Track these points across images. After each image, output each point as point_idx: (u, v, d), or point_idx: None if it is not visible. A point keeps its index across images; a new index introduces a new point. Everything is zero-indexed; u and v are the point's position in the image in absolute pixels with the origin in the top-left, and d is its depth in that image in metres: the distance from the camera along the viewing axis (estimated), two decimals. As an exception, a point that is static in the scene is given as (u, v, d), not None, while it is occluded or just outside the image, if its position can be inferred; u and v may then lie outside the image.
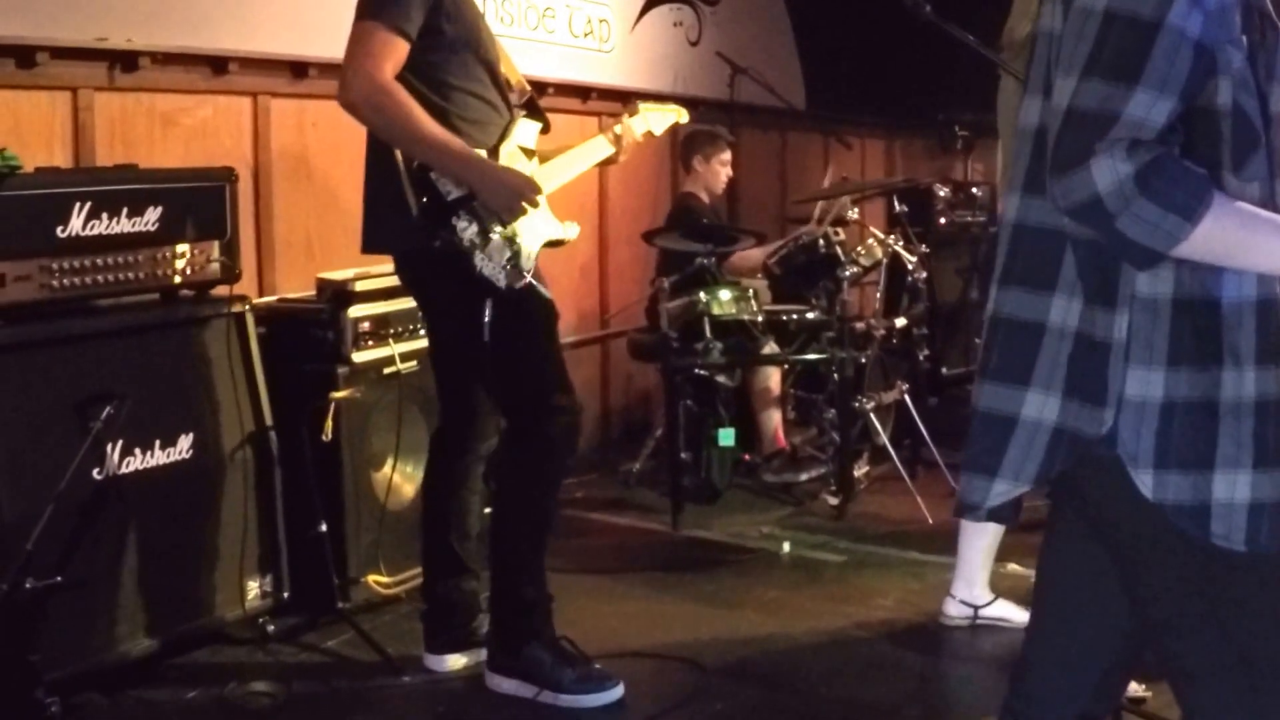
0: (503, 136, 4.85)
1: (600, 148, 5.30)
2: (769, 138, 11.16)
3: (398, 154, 4.61)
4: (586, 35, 8.62)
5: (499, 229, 4.66)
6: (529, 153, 4.95)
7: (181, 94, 5.88)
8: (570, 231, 5.05)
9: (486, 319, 4.67)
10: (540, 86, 6.36)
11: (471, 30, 4.81)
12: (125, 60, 5.59)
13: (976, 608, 5.48)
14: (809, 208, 8.72)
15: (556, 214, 4.97)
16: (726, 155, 8.58)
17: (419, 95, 4.59)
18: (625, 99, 8.35)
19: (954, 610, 5.49)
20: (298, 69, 6.42)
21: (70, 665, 4.54)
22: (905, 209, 8.92)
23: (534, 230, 4.83)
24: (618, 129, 5.33)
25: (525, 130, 4.96)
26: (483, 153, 4.74)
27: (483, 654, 5.02)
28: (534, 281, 4.79)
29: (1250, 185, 2.38)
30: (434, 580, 5.11)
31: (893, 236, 8.25)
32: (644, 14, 9.31)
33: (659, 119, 5.49)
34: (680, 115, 5.63)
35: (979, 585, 5.49)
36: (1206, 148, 2.37)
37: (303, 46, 6.42)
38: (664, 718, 4.76)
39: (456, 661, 5.07)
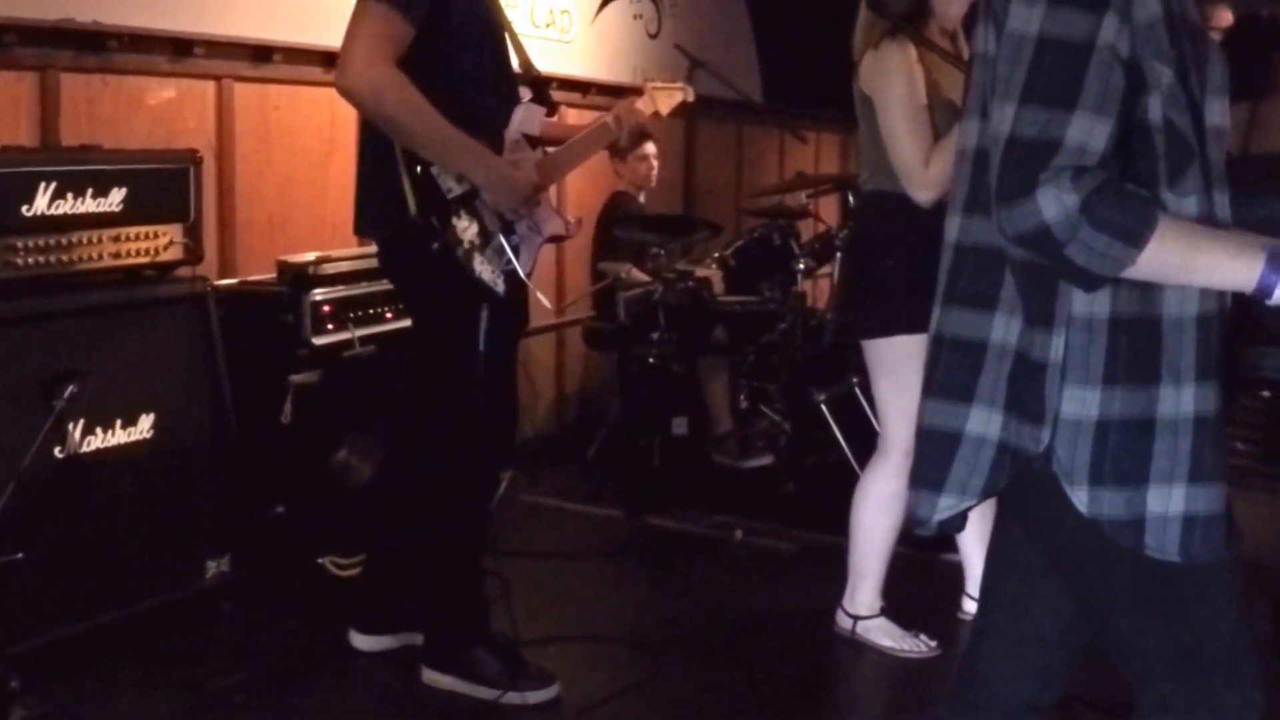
0: (505, 124, 4.62)
1: (604, 133, 5.08)
2: (725, 131, 11.19)
3: (395, 143, 4.39)
4: (548, 26, 8.65)
5: (499, 229, 4.50)
6: (533, 140, 4.72)
7: (146, 76, 5.89)
8: (573, 227, 4.90)
9: (484, 326, 4.50)
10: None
11: (481, 13, 4.60)
12: (92, 41, 5.60)
13: None
14: (764, 200, 8.80)
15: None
16: (648, 147, 8.56)
17: (420, 79, 4.28)
18: (585, 90, 8.41)
19: (969, 606, 5.47)
20: (261, 53, 6.43)
21: (30, 641, 4.57)
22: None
23: (536, 228, 4.70)
24: (621, 111, 5.09)
25: (529, 116, 4.70)
26: (483, 144, 4.51)
27: (404, 638, 5.07)
28: (530, 285, 4.66)
29: (1187, 200, 2.41)
30: (379, 560, 5.14)
31: (846, 230, 8.31)
32: (604, 6, 9.34)
33: (666, 98, 5.27)
34: (687, 94, 5.40)
35: None
36: (1142, 164, 2.40)
37: (267, 31, 6.44)
38: (616, 701, 4.82)
39: (382, 643, 5.09)
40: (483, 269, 4.46)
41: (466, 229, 4.42)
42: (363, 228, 4.78)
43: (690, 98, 5.44)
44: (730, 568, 6.32)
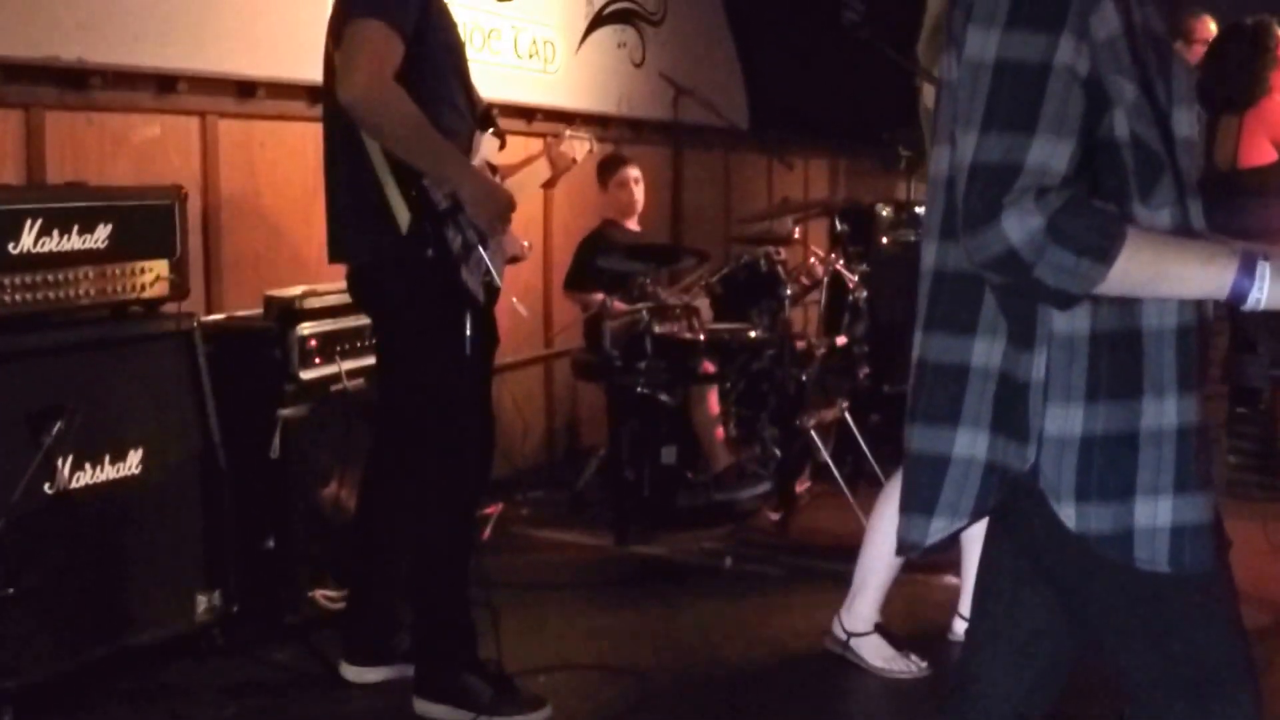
0: (471, 150, 4.77)
1: (541, 170, 5.32)
2: (712, 158, 11.22)
3: (376, 161, 4.54)
4: (531, 56, 8.67)
5: (479, 243, 4.63)
6: (493, 168, 4.90)
7: (130, 113, 5.91)
8: (527, 249, 5.09)
9: (469, 333, 4.61)
10: (485, 108, 6.40)
11: (453, 39, 4.76)
12: (75, 79, 5.62)
13: None
14: (751, 227, 8.82)
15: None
16: (626, 173, 8.51)
17: None
18: (569, 120, 8.41)
19: (959, 628, 5.46)
20: (245, 89, 6.45)
21: (21, 677, 4.57)
22: (846, 228, 8.98)
23: (502, 246, 4.84)
24: (554, 153, 5.32)
25: (489, 145, 4.87)
26: None
27: (397, 669, 5.07)
28: (507, 297, 4.85)
29: (1160, 212, 2.43)
30: (363, 592, 5.15)
31: (833, 255, 8.33)
32: (588, 35, 9.36)
33: (579, 146, 5.46)
34: (593, 144, 5.59)
35: None
36: (1112, 180, 2.41)
37: (250, 66, 6.45)
38: (607, 728, 4.83)
39: (374, 674, 5.11)
40: (468, 278, 4.60)
41: (454, 240, 4.55)
42: (341, 254, 4.84)
43: (595, 149, 5.67)
44: (720, 595, 6.31)
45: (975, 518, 2.57)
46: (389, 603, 5.11)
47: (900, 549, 2.70)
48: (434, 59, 4.61)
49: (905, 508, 2.67)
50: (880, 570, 5.29)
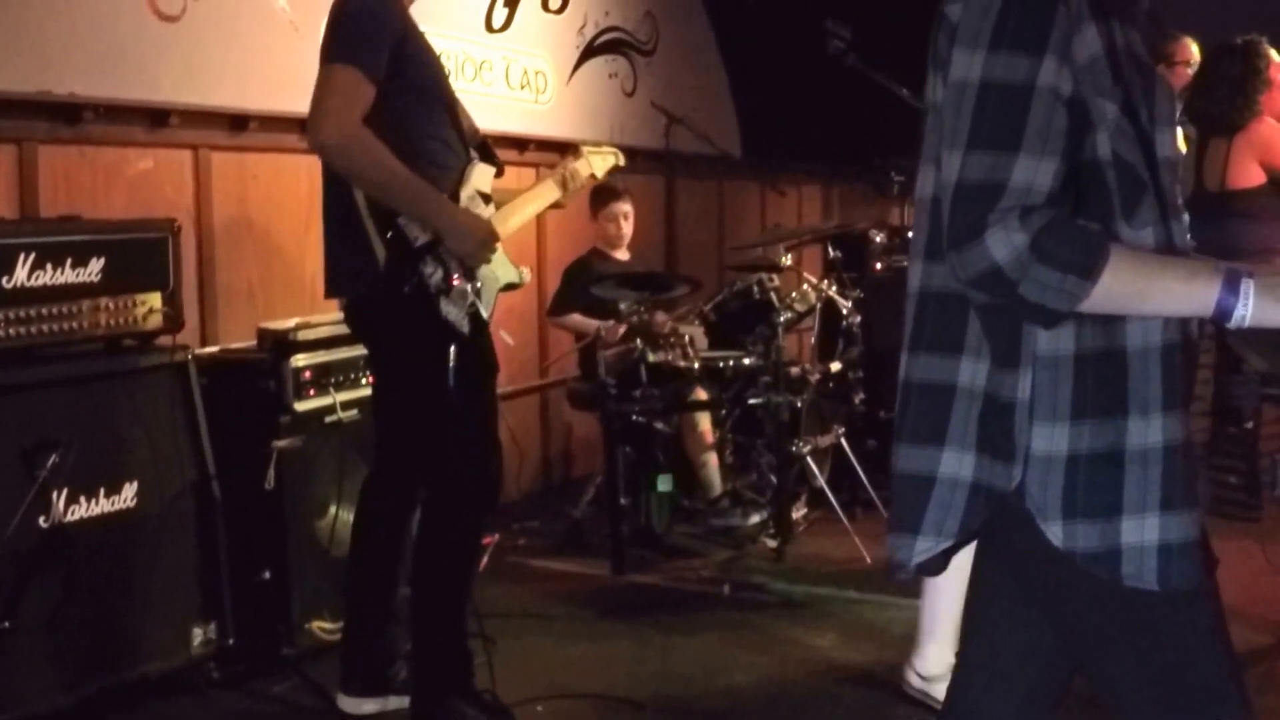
0: (461, 181, 4.82)
1: (549, 192, 5.33)
2: (705, 186, 11.23)
3: (359, 199, 4.59)
4: (523, 87, 8.69)
5: (462, 275, 4.66)
6: (486, 197, 4.92)
7: (123, 146, 5.92)
8: (524, 276, 5.09)
9: (452, 364, 4.65)
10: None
11: (432, 73, 4.81)
12: (68, 113, 5.64)
13: None
14: (745, 255, 8.82)
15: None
16: (615, 208, 8.47)
17: (382, 139, 4.52)
18: (562, 150, 8.40)
19: None
20: (237, 122, 6.47)
21: (18, 712, 4.56)
22: (840, 255, 8.99)
23: (493, 276, 4.87)
24: (565, 173, 5.36)
25: (482, 175, 4.92)
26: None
27: (393, 700, 5.07)
28: (496, 326, 4.87)
29: (1144, 231, 2.44)
30: (358, 623, 5.15)
31: (826, 282, 8.33)
32: (580, 65, 9.40)
33: (600, 161, 5.53)
34: (618, 158, 5.67)
35: None
36: (1096, 200, 2.43)
37: (242, 99, 6.48)
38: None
39: (370, 705, 5.09)
40: (449, 310, 4.64)
41: (432, 274, 4.60)
42: (335, 289, 4.90)
43: (621, 162, 5.72)
44: (718, 623, 6.30)
45: (962, 538, 2.58)
46: (385, 633, 5.10)
47: (889, 569, 2.71)
48: (414, 93, 4.68)
49: (892, 527, 2.67)
50: (949, 611, 5.17)
